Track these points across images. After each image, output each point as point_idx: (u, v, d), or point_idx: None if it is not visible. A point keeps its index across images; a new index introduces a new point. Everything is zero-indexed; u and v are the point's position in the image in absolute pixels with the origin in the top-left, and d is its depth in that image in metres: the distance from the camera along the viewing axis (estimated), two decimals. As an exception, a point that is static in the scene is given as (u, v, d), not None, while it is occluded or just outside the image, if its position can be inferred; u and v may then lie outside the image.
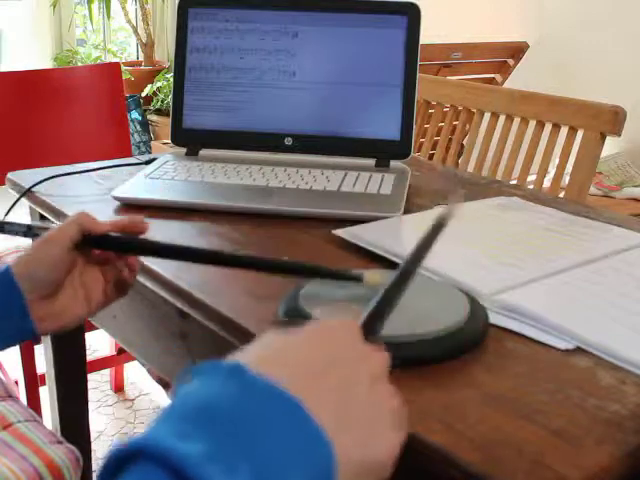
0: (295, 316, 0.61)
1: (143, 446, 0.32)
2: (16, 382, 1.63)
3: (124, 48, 4.15)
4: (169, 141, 1.14)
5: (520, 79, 2.68)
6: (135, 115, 3.66)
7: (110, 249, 0.69)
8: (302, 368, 0.40)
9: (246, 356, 0.40)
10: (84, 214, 0.67)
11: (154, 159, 1.11)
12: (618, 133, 1.46)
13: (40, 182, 1.02)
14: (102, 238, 0.67)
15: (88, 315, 0.70)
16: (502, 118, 1.71)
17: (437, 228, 0.55)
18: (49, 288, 0.65)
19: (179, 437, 0.33)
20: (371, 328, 0.47)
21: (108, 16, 3.64)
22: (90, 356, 1.94)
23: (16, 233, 0.71)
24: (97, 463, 1.69)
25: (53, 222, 0.96)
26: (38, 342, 1.23)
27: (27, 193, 1.01)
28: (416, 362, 0.57)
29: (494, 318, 0.64)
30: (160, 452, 0.32)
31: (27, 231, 0.70)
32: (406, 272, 0.52)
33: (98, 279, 0.69)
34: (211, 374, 0.38)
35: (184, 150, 1.13)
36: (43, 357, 1.15)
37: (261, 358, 0.40)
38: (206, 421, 0.34)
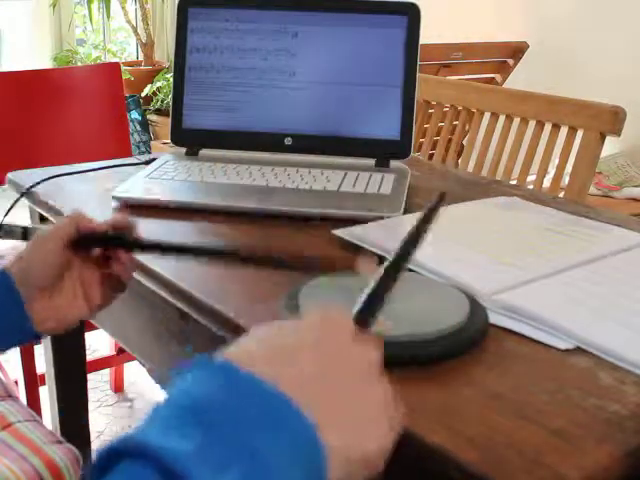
0: (293, 312, 0.61)
1: (131, 444, 0.32)
2: (16, 382, 1.63)
3: (124, 48, 4.16)
4: (169, 141, 1.14)
5: (520, 79, 2.67)
6: (135, 115, 3.66)
7: (104, 246, 0.69)
8: (292, 364, 0.40)
9: (236, 352, 0.40)
10: (78, 213, 0.67)
11: (154, 159, 1.11)
12: (618, 133, 1.46)
13: (40, 182, 1.02)
14: (96, 236, 0.67)
15: (88, 315, 0.70)
16: (502, 118, 1.71)
17: (425, 221, 0.55)
18: (46, 288, 0.65)
19: (167, 435, 0.33)
20: (363, 322, 0.46)
21: (108, 16, 3.64)
22: (90, 356, 1.94)
23: (12, 237, 0.71)
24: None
25: (51, 223, 0.96)
26: (38, 342, 1.23)
27: (27, 193, 1.01)
28: (416, 362, 0.57)
29: (494, 318, 0.64)
30: (148, 450, 0.32)
31: (24, 234, 0.71)
32: (395, 264, 0.51)
33: (96, 278, 0.69)
34: (201, 372, 0.38)
35: (184, 150, 1.13)
36: (43, 357, 1.15)
37: (251, 354, 0.40)
38: (195, 419, 0.34)
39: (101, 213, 0.90)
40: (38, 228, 0.70)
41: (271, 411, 0.36)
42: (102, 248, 0.68)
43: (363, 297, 0.47)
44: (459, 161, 1.93)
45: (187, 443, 0.33)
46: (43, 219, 1.03)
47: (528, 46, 2.67)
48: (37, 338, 0.68)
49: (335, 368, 0.41)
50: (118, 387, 2.02)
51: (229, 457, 0.33)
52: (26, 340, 0.67)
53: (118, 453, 0.32)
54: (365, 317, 0.46)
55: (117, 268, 0.69)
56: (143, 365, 1.56)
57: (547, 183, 1.72)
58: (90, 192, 1.02)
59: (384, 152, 1.10)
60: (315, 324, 0.43)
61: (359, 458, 0.39)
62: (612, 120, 1.45)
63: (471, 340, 0.60)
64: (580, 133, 1.53)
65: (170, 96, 1.15)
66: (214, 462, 0.32)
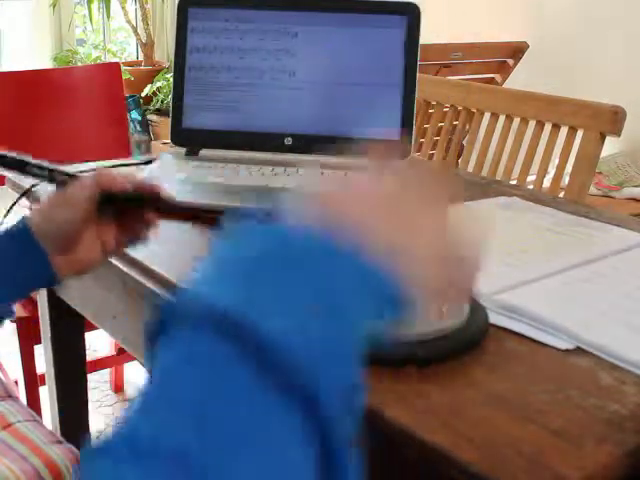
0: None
1: (186, 304, 0.32)
2: (16, 382, 1.63)
3: (124, 48, 4.15)
4: (169, 141, 1.14)
5: (520, 79, 2.67)
6: (135, 115, 3.66)
7: (125, 207, 0.70)
8: (349, 205, 0.40)
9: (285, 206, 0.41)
10: (102, 173, 0.68)
11: (154, 159, 1.11)
12: (618, 133, 1.46)
13: (40, 182, 1.02)
14: (119, 197, 0.68)
15: (102, 261, 0.72)
16: (502, 118, 1.71)
17: None
18: (67, 244, 0.67)
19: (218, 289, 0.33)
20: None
21: (108, 16, 3.64)
22: (90, 356, 1.93)
23: (38, 176, 0.71)
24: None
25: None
26: (38, 342, 1.23)
27: (27, 193, 1.01)
28: (416, 362, 0.57)
29: (494, 318, 0.64)
30: (204, 309, 0.31)
31: (50, 176, 0.71)
32: None
33: (112, 229, 0.71)
34: (246, 234, 0.37)
35: (184, 150, 1.13)
36: (43, 357, 1.15)
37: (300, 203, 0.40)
38: (260, 272, 0.34)
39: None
40: (65, 173, 0.70)
41: (331, 252, 0.35)
42: (125, 207, 0.70)
43: None
44: (459, 161, 1.93)
45: (234, 293, 0.32)
46: (43, 219, 1.03)
47: (528, 46, 2.67)
48: (55, 284, 0.70)
49: (394, 202, 0.42)
50: (118, 387, 2.02)
51: (289, 298, 0.33)
52: (47, 285, 0.72)
53: (173, 315, 0.32)
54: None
55: (135, 225, 0.71)
56: (143, 365, 1.56)
57: (547, 183, 1.72)
58: (90, 192, 1.02)
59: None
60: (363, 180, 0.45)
61: (443, 253, 0.40)
62: (612, 120, 1.45)
63: (471, 340, 0.60)
64: (580, 133, 1.53)
65: (170, 96, 1.15)
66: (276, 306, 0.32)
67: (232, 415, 0.28)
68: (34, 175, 0.71)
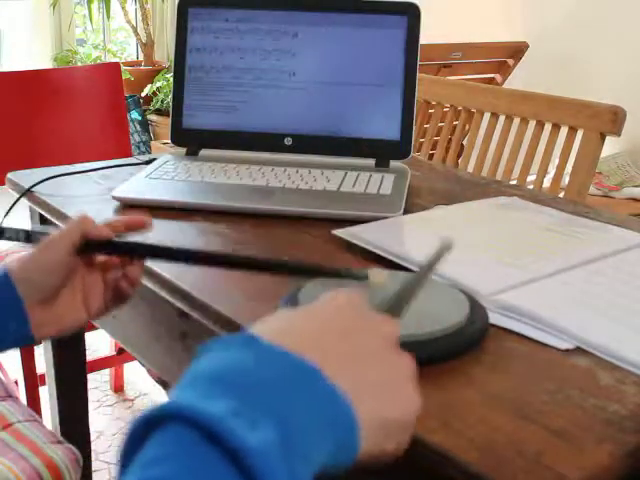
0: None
1: (175, 409, 0.33)
2: (16, 382, 1.63)
3: (124, 48, 4.16)
4: (169, 141, 1.14)
5: (520, 79, 2.68)
6: (135, 115, 3.66)
7: (112, 254, 0.67)
8: (315, 338, 0.41)
9: (258, 329, 0.41)
10: (85, 218, 0.65)
11: (154, 159, 1.11)
12: (618, 133, 1.46)
13: (40, 182, 1.02)
14: (104, 243, 0.65)
15: (85, 322, 0.68)
16: (502, 118, 1.71)
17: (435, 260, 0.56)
18: (48, 293, 0.64)
19: (205, 399, 0.34)
20: (396, 311, 0.48)
21: (108, 16, 3.64)
22: (90, 356, 1.93)
23: (16, 239, 0.70)
24: (97, 463, 1.69)
25: (54, 225, 0.96)
26: (37, 344, 1.23)
27: (27, 193, 1.01)
28: (416, 362, 0.57)
29: (494, 318, 0.64)
30: (190, 414, 0.33)
31: (27, 237, 0.69)
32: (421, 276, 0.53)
33: (98, 285, 0.67)
34: (226, 346, 0.39)
35: (184, 150, 1.13)
36: (43, 357, 1.15)
37: (273, 330, 0.41)
38: (227, 382, 0.36)
39: (101, 213, 0.91)
40: (42, 232, 0.69)
41: (300, 378, 0.37)
42: (108, 255, 0.67)
43: (393, 293, 0.49)
44: (459, 161, 1.93)
45: (223, 403, 0.34)
46: (43, 219, 1.03)
47: (528, 46, 2.67)
48: (32, 343, 0.66)
49: (358, 340, 0.42)
50: (118, 387, 2.02)
51: (263, 414, 0.34)
52: (22, 343, 0.66)
53: (158, 419, 0.34)
54: (397, 307, 0.48)
55: (122, 280, 0.68)
56: (143, 365, 1.57)
57: (547, 183, 1.72)
58: (90, 192, 1.02)
59: (384, 152, 1.10)
60: (332, 303, 0.45)
61: (390, 423, 0.41)
62: (612, 120, 1.46)
63: (471, 340, 0.60)
64: (580, 133, 1.53)
65: (170, 96, 1.15)
66: (249, 418, 0.34)
67: None
68: (11, 239, 0.68)
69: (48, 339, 0.68)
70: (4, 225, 0.69)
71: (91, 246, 0.65)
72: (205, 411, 0.33)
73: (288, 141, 1.11)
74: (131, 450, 0.34)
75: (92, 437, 1.31)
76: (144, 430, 0.34)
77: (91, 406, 1.31)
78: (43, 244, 0.64)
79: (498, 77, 2.73)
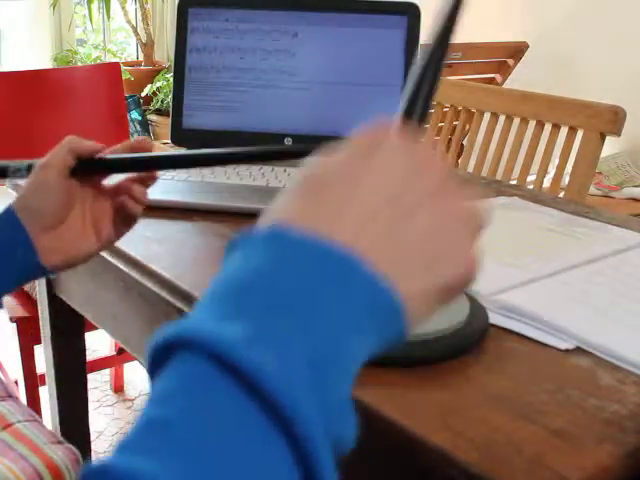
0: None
1: (181, 334, 0.30)
2: (16, 382, 1.63)
3: (124, 48, 4.16)
4: (169, 141, 1.14)
5: (520, 79, 2.67)
6: (135, 115, 3.66)
7: (108, 172, 0.66)
8: (346, 204, 0.34)
9: (281, 212, 0.36)
10: (73, 137, 0.64)
11: (154, 159, 1.11)
12: (618, 133, 1.46)
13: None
14: (97, 161, 0.64)
15: (97, 250, 0.68)
16: (502, 118, 1.71)
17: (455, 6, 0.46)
18: (50, 218, 0.64)
19: (218, 320, 0.30)
20: (411, 114, 0.39)
21: (108, 16, 3.64)
22: (90, 356, 1.93)
23: (20, 176, 0.68)
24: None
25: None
26: (38, 342, 1.23)
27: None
28: (416, 362, 0.57)
29: (494, 318, 0.64)
30: (198, 338, 0.29)
31: (29, 170, 0.67)
32: (436, 51, 0.45)
33: (107, 210, 0.67)
34: (247, 247, 0.33)
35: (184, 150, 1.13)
36: (43, 357, 1.15)
37: (298, 211, 0.35)
38: (249, 298, 0.31)
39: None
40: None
41: (331, 271, 0.32)
42: (105, 173, 0.66)
43: (407, 88, 0.41)
44: (459, 161, 1.93)
45: (240, 326, 0.29)
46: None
47: (528, 46, 2.67)
48: (45, 273, 0.66)
49: (396, 202, 0.35)
50: (118, 387, 2.02)
51: (290, 334, 0.30)
52: (35, 273, 0.65)
53: (171, 344, 0.30)
54: (413, 108, 0.40)
55: (128, 201, 0.67)
56: (143, 365, 1.56)
57: (547, 183, 1.72)
58: (90, 192, 1.02)
59: (384, 152, 1.09)
60: (358, 150, 0.38)
61: (439, 289, 0.35)
62: (612, 120, 1.45)
63: (471, 340, 0.60)
64: (580, 133, 1.53)
65: (170, 96, 1.15)
66: (272, 342, 0.29)
67: (223, 442, 0.27)
68: (15, 177, 0.67)
69: (61, 269, 0.67)
70: (4, 162, 0.67)
71: (85, 166, 0.64)
72: (219, 338, 0.28)
73: (288, 141, 1.11)
74: (155, 373, 0.31)
75: (92, 437, 1.31)
76: (162, 355, 0.30)
77: (91, 406, 1.31)
78: (36, 169, 0.63)
79: (498, 77, 2.73)
